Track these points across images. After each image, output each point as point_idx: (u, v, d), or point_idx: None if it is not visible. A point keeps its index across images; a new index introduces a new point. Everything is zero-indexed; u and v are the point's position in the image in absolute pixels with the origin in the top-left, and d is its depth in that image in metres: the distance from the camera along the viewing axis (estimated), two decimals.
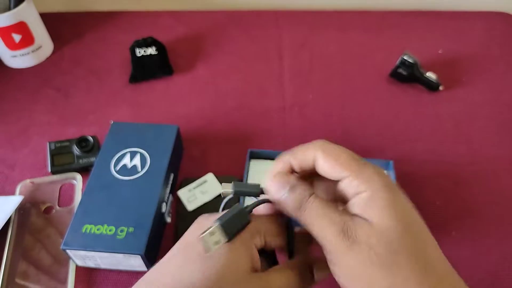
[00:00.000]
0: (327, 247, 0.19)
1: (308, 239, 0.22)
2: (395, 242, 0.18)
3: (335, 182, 0.21)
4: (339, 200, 0.21)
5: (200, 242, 0.19)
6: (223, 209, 0.28)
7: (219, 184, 0.37)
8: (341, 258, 0.18)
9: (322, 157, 0.20)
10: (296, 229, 0.23)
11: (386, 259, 0.17)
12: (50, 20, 0.55)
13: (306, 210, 0.19)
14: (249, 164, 0.38)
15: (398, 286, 0.17)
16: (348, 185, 0.20)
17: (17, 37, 0.50)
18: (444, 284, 0.18)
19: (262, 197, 0.22)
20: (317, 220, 0.19)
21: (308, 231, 0.20)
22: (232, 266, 0.19)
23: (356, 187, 0.19)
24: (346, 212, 0.20)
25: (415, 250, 0.18)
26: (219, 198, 0.37)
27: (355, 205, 0.19)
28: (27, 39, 0.51)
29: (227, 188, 0.22)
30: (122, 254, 0.31)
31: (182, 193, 0.37)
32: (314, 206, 0.19)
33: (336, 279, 0.19)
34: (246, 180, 0.36)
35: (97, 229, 0.32)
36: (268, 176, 0.21)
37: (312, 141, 0.22)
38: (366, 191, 0.19)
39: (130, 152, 0.37)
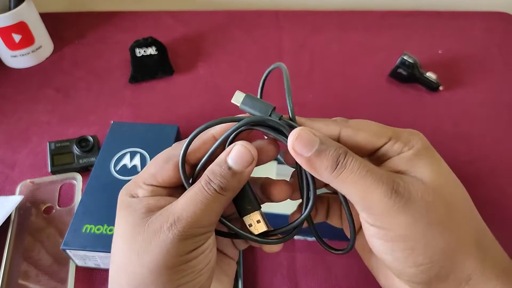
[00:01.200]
0: (374, 210, 0.17)
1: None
2: (450, 199, 0.17)
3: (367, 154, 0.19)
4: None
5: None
6: None
7: None
8: (393, 219, 0.16)
9: (352, 132, 0.19)
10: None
11: (443, 217, 0.16)
12: (50, 20, 0.55)
13: (345, 170, 0.17)
14: None
15: (454, 245, 0.16)
16: (388, 150, 0.18)
17: (17, 37, 0.50)
18: (494, 245, 0.18)
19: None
20: (361, 181, 0.16)
21: (345, 194, 0.18)
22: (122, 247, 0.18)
23: (397, 149, 0.18)
24: (391, 170, 0.18)
25: (467, 209, 0.17)
26: None
27: (399, 163, 0.17)
28: (27, 39, 0.51)
29: (238, 98, 0.21)
30: None
31: None
32: (355, 164, 0.17)
33: (375, 246, 0.18)
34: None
35: (97, 229, 0.32)
36: (291, 134, 0.18)
37: (330, 118, 0.20)
38: (410, 150, 0.18)
39: (130, 152, 0.37)
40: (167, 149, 0.21)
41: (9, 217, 0.36)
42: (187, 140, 0.20)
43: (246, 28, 0.59)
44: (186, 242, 0.18)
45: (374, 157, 0.19)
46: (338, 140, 0.19)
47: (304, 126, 0.19)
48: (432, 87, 0.49)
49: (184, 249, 0.18)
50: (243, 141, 0.19)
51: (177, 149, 0.20)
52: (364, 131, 0.18)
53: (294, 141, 0.18)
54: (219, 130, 0.20)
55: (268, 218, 0.28)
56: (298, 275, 0.34)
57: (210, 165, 0.19)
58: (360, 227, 0.20)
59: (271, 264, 0.35)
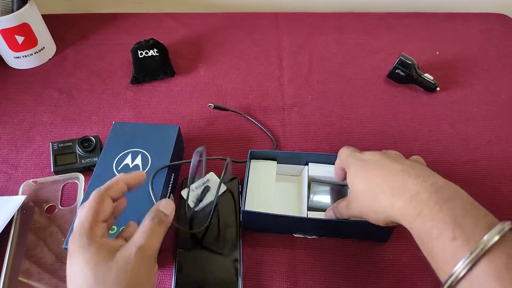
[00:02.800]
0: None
1: None
2: (360, 192, 0.30)
3: None
4: None
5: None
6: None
7: (221, 183, 0.38)
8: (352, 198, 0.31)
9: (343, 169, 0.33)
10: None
11: (368, 191, 0.29)
12: (52, 21, 0.56)
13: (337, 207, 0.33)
14: (249, 164, 0.38)
15: (371, 195, 0.28)
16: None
17: (20, 39, 0.50)
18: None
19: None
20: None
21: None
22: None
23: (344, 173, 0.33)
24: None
25: (379, 180, 0.28)
26: (219, 197, 0.37)
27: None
28: (30, 41, 0.51)
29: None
30: None
31: (184, 193, 0.38)
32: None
33: (357, 210, 0.30)
34: (247, 181, 0.36)
35: None
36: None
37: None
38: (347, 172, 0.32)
39: (132, 152, 0.38)
40: (95, 192, 0.27)
41: (12, 216, 0.37)
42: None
43: (246, 30, 0.59)
44: (147, 263, 0.25)
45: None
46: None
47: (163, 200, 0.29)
48: (429, 88, 0.50)
49: (148, 268, 0.25)
50: (166, 199, 0.32)
51: (103, 188, 0.28)
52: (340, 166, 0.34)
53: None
54: (129, 180, 0.29)
55: (268, 218, 0.29)
56: (297, 272, 0.35)
57: (151, 211, 0.28)
58: None
59: (271, 262, 0.35)
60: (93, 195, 0.27)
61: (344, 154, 0.33)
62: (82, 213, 0.26)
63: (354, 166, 0.31)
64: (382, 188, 0.27)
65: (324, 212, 0.35)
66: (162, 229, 0.27)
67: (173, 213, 0.29)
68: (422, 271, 0.35)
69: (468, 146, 0.45)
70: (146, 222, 0.27)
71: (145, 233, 0.26)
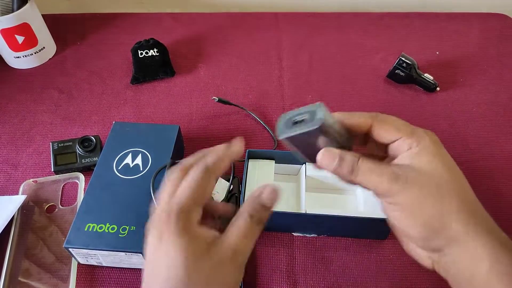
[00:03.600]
0: (383, 192, 0.23)
1: None
2: (439, 180, 0.23)
3: (386, 145, 0.24)
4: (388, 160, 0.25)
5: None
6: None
7: (220, 182, 0.38)
8: (397, 197, 0.23)
9: (379, 124, 0.24)
10: None
11: (433, 193, 0.22)
12: (53, 21, 0.56)
13: (359, 171, 0.23)
14: (247, 164, 0.38)
15: (441, 212, 0.22)
16: (401, 144, 0.24)
17: (20, 39, 0.50)
18: (480, 213, 0.23)
19: None
20: (371, 175, 0.23)
21: (365, 187, 0.24)
22: (182, 261, 0.21)
23: (409, 144, 0.23)
24: (394, 163, 0.24)
25: (454, 187, 0.23)
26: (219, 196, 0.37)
27: (405, 158, 0.23)
28: (30, 41, 0.51)
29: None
30: (124, 253, 0.32)
31: None
32: (364, 164, 0.23)
33: (392, 219, 0.24)
34: (245, 180, 0.36)
35: (100, 228, 0.32)
36: (318, 155, 0.24)
37: (367, 112, 0.25)
38: (417, 147, 0.23)
39: (132, 151, 0.38)
40: (202, 167, 0.24)
41: (12, 216, 0.37)
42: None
43: (246, 30, 0.59)
44: (240, 269, 0.23)
45: (392, 150, 0.24)
46: (370, 129, 0.24)
47: (326, 147, 0.24)
48: (429, 88, 0.50)
49: (240, 275, 0.23)
50: (270, 183, 0.25)
51: (210, 164, 0.24)
52: (389, 124, 0.24)
53: (320, 160, 0.24)
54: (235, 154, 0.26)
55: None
56: (297, 272, 0.35)
57: (247, 204, 0.24)
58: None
59: (271, 261, 0.35)
60: (201, 173, 0.23)
61: (395, 118, 0.24)
62: (184, 191, 0.22)
63: (437, 149, 0.23)
64: (459, 209, 0.22)
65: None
66: (259, 229, 0.23)
67: (275, 205, 0.24)
68: (423, 270, 0.34)
69: (468, 146, 0.45)
70: (244, 218, 0.23)
71: (242, 234, 0.22)
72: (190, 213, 0.22)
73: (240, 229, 0.22)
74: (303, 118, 0.23)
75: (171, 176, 0.24)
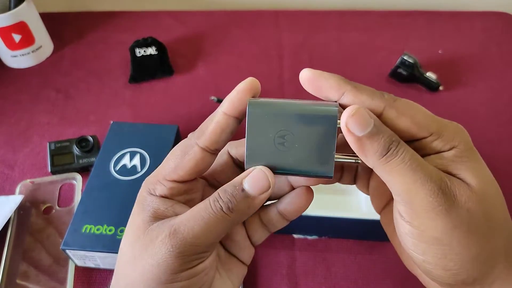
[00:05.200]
0: (414, 206, 0.16)
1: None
2: (489, 209, 0.16)
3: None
4: None
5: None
6: None
7: None
8: (431, 221, 0.16)
9: (395, 115, 0.17)
10: None
11: (481, 227, 0.16)
12: (50, 20, 0.55)
13: (395, 159, 0.16)
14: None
15: (486, 254, 0.16)
16: (427, 145, 0.17)
17: (17, 37, 0.50)
18: None
19: None
20: (410, 173, 0.16)
21: (388, 182, 0.17)
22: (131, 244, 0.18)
23: (438, 147, 0.17)
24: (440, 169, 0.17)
25: (502, 218, 0.17)
26: None
27: (441, 163, 0.16)
28: (27, 39, 0.51)
29: None
30: None
31: None
32: (406, 155, 0.16)
33: (407, 244, 0.17)
34: None
35: (97, 229, 0.32)
36: (347, 110, 0.16)
37: (378, 91, 0.18)
38: (451, 150, 0.17)
39: (130, 152, 0.37)
40: (183, 140, 0.20)
41: (10, 216, 0.36)
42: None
43: (246, 28, 0.59)
44: (178, 259, 0.17)
45: (412, 147, 0.17)
46: (379, 117, 0.17)
47: (359, 106, 0.17)
48: (432, 87, 0.49)
49: (176, 266, 0.17)
50: (263, 167, 0.18)
51: (192, 139, 0.19)
52: (407, 117, 0.17)
53: (349, 117, 0.16)
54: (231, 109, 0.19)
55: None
56: (297, 274, 0.34)
57: (224, 185, 0.18)
58: (387, 202, 0.21)
59: (271, 263, 0.35)
60: (180, 143, 0.19)
61: (417, 109, 0.18)
62: (166, 161, 0.19)
63: (479, 156, 0.18)
64: (509, 246, 0.17)
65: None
66: (229, 219, 0.17)
67: (266, 195, 0.18)
68: None
69: None
70: (206, 202, 0.18)
71: (194, 220, 0.17)
72: (154, 185, 0.19)
73: (196, 211, 0.17)
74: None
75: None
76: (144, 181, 0.20)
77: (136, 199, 0.20)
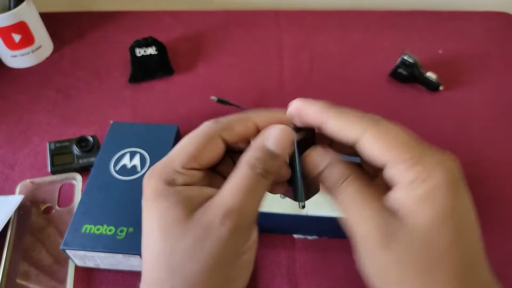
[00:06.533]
0: (358, 240, 0.17)
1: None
2: (441, 251, 0.16)
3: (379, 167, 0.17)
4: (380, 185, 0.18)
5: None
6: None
7: None
8: (373, 254, 0.16)
9: (372, 138, 0.17)
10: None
11: (426, 265, 0.15)
12: (50, 20, 0.55)
13: (342, 193, 0.17)
14: None
15: (432, 286, 0.16)
16: (400, 173, 0.16)
17: (17, 37, 0.50)
18: (481, 278, 0.17)
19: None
20: (353, 207, 0.17)
21: (342, 214, 0.18)
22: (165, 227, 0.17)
23: (410, 178, 0.16)
24: (389, 203, 0.17)
25: (461, 261, 0.16)
26: None
27: (404, 198, 0.16)
28: (27, 39, 0.51)
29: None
30: (121, 254, 0.31)
31: None
32: (350, 190, 0.17)
33: (362, 271, 0.18)
34: None
35: (97, 229, 0.32)
36: (306, 152, 0.19)
37: (361, 114, 0.18)
38: (422, 185, 0.16)
39: (130, 152, 0.37)
40: (203, 125, 0.20)
41: (10, 216, 0.36)
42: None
43: (246, 28, 0.59)
44: (239, 235, 0.17)
45: (387, 174, 0.17)
46: (356, 144, 0.18)
47: (318, 147, 0.19)
48: (432, 87, 0.49)
49: (238, 243, 0.17)
50: (279, 124, 0.19)
51: (214, 129, 0.19)
52: (384, 140, 0.17)
53: (307, 157, 0.19)
54: (265, 121, 0.20)
55: (266, 217, 0.28)
56: (298, 274, 0.34)
57: (250, 151, 0.18)
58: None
59: (271, 263, 0.35)
60: (202, 131, 0.19)
61: (397, 132, 0.18)
62: (175, 149, 0.19)
63: (452, 196, 0.16)
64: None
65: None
66: (266, 183, 0.18)
67: (289, 151, 0.19)
68: None
69: (472, 145, 0.44)
70: (242, 170, 0.18)
71: (238, 188, 0.17)
72: (177, 173, 0.18)
73: (236, 182, 0.17)
74: None
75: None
76: (152, 172, 0.19)
77: (149, 192, 0.19)
